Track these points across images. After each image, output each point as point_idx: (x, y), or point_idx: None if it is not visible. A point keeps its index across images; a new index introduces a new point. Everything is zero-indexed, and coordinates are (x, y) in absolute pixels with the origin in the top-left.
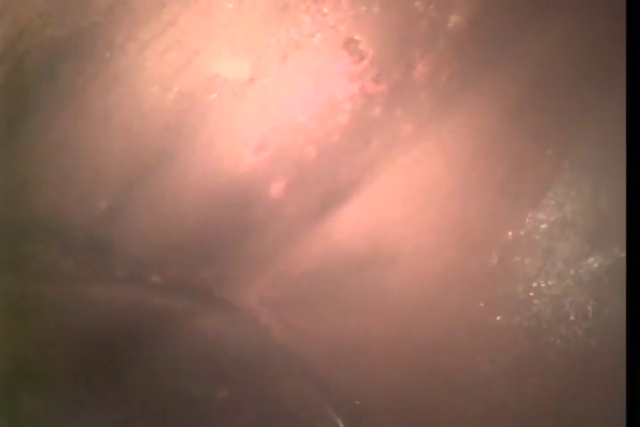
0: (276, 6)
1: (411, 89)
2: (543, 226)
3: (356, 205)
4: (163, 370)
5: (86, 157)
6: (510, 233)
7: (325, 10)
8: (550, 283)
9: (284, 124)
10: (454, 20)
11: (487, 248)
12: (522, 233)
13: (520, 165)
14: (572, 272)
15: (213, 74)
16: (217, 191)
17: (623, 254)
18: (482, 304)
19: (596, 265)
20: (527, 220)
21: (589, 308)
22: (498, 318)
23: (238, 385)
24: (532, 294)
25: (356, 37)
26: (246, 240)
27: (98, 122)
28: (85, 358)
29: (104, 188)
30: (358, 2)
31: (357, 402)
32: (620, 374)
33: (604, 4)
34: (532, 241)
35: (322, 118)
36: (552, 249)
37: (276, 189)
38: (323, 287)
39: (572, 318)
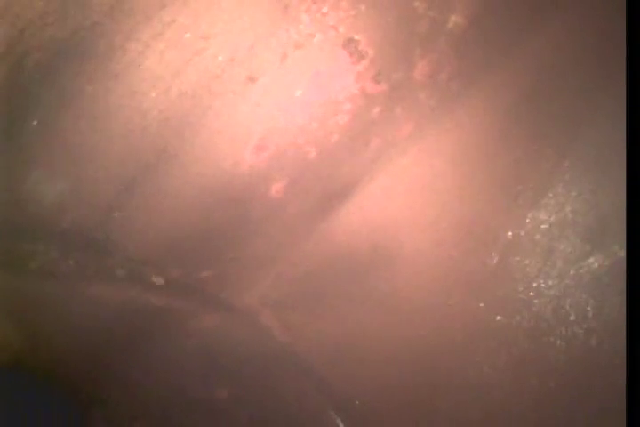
0: (276, 6)
1: (411, 89)
2: (543, 226)
3: (355, 205)
4: (163, 370)
5: (86, 157)
6: (510, 233)
7: (325, 10)
8: (550, 283)
9: (283, 124)
10: (454, 20)
11: (487, 248)
12: (522, 233)
13: (520, 164)
14: (571, 272)
15: (213, 74)
16: (217, 191)
17: (623, 254)
18: (482, 304)
19: (595, 265)
20: (527, 220)
21: (589, 308)
22: (498, 318)
23: (238, 385)
24: (532, 293)
25: (356, 37)
26: (246, 240)
27: (98, 122)
28: (85, 358)
29: (104, 187)
30: (358, 2)
31: (357, 402)
32: (619, 374)
33: (603, 3)
34: (532, 241)
35: (322, 118)
36: (552, 249)
37: (276, 188)
38: (323, 287)
39: (572, 318)
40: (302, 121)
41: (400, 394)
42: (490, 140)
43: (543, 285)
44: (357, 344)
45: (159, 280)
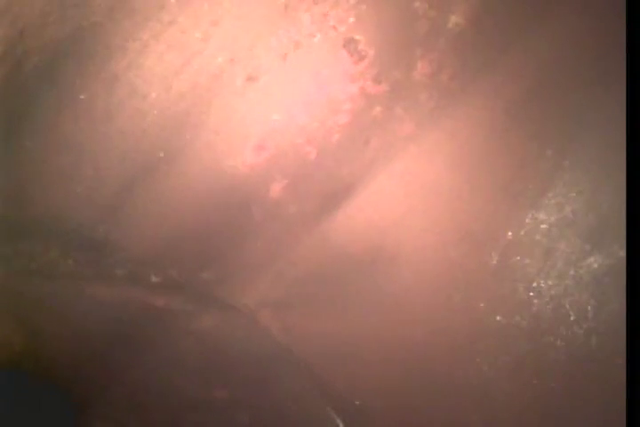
0: (276, 6)
1: (411, 89)
2: (543, 226)
3: (355, 206)
4: (162, 370)
5: (86, 157)
6: (510, 233)
7: (325, 10)
8: (550, 283)
9: (284, 124)
10: (454, 20)
11: (487, 248)
12: (522, 233)
13: (520, 165)
14: (571, 272)
15: (213, 74)
16: (217, 191)
17: (623, 254)
18: (482, 304)
19: (595, 265)
20: (527, 220)
21: (589, 308)
22: (498, 318)
23: (238, 385)
24: (531, 293)
25: (356, 37)
26: (246, 240)
27: (98, 122)
28: (85, 358)
29: (104, 187)
30: (358, 2)
31: (357, 402)
32: (620, 374)
33: (604, 3)
34: (532, 241)
35: (322, 118)
36: (552, 249)
37: (276, 189)
38: (323, 288)
39: (572, 318)
40: (302, 121)
41: (400, 394)
42: (490, 140)
43: (543, 285)
44: (357, 344)
45: (158, 280)
